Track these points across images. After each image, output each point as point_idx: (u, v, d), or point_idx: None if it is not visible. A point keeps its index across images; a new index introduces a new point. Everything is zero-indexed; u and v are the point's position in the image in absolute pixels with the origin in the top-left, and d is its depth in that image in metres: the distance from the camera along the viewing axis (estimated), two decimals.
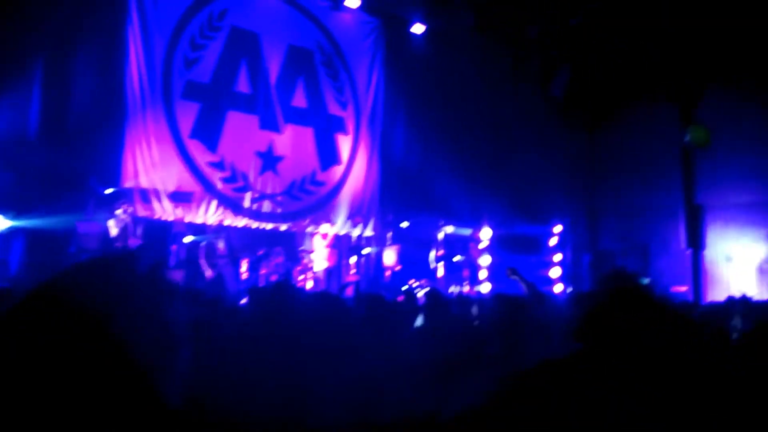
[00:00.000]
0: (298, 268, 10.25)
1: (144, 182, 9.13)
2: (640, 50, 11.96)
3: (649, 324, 1.72)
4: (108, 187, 8.67)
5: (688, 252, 12.46)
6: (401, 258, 11.60)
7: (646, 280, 12.48)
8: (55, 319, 0.97)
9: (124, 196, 8.74)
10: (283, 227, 10.67)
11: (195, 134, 9.70)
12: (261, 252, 10.02)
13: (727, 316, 5.05)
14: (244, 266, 9.77)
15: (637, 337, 1.68)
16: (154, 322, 1.07)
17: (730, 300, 6.37)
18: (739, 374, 2.14)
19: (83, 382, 0.91)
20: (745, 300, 5.72)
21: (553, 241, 13.34)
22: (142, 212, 8.92)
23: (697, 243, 12.38)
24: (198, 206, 9.66)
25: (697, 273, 12.27)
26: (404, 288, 10.31)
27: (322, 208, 11.04)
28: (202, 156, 9.77)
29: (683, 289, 12.06)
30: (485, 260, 12.57)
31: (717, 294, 11.45)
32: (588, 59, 12.32)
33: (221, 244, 9.10)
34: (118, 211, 8.38)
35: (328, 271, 10.17)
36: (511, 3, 11.19)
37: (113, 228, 8.35)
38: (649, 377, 1.58)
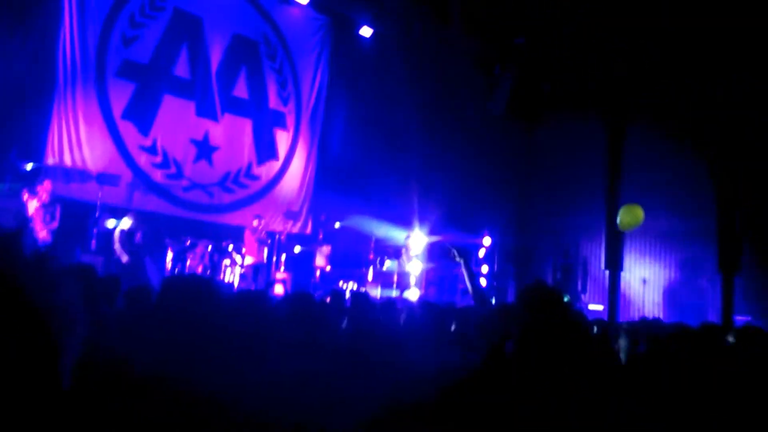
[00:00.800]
0: (225, 261, 10.04)
1: (68, 160, 8.70)
2: (578, 75, 12.45)
3: (563, 338, 1.80)
4: (28, 163, 8.22)
5: (606, 273, 13.02)
6: (332, 258, 11.57)
7: (565, 297, 12.96)
8: None
9: (45, 173, 8.31)
10: (213, 219, 10.42)
11: (127, 115, 9.33)
12: (187, 242, 9.75)
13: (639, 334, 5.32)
14: (168, 256, 9.49)
15: (551, 349, 1.75)
16: (42, 301, 1.03)
17: (642, 320, 6.72)
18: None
19: None
20: (657, 321, 6.03)
21: (481, 252, 13.63)
22: (63, 192, 8.49)
23: (615, 265, 12.95)
24: (125, 190, 9.29)
25: (614, 293, 12.83)
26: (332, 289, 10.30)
27: (254, 202, 10.85)
28: (133, 138, 9.41)
29: (599, 307, 12.59)
30: (416, 266, 12.68)
31: (629, 314, 12.03)
32: (529, 76, 12.70)
33: (137, 231, 8.73)
34: (38, 188, 7.96)
35: (255, 267, 10.00)
36: (459, 18, 11.39)
37: (31, 205, 7.92)
38: (558, 387, 1.65)
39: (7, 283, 0.93)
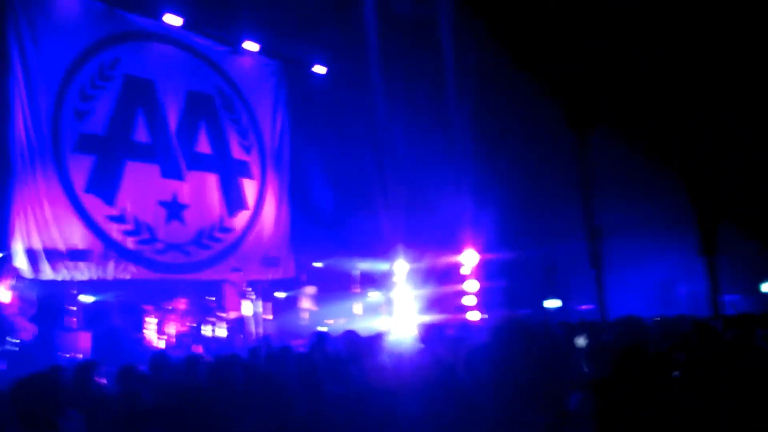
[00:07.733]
0: (209, 318, 9.96)
1: (36, 243, 8.61)
2: (540, 80, 12.51)
3: None
4: None
5: (592, 272, 12.98)
6: (318, 298, 11.52)
7: (556, 301, 12.94)
8: None
9: (14, 259, 8.23)
10: (193, 277, 10.34)
11: (90, 188, 9.27)
12: (168, 306, 9.67)
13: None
14: (150, 321, 9.41)
15: None
16: None
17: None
18: None
19: None
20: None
21: (466, 270, 13.59)
22: (34, 275, 8.41)
23: (599, 264, 12.92)
24: (98, 263, 9.21)
25: (601, 293, 12.79)
26: (319, 329, 10.22)
27: (231, 255, 10.79)
28: (99, 210, 9.34)
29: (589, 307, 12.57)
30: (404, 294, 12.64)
31: (623, 310, 11.98)
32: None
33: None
34: (8, 277, 7.89)
35: (240, 320, 9.92)
36: (409, 50, 11.50)
37: (4, 294, 7.85)
38: None
39: None
